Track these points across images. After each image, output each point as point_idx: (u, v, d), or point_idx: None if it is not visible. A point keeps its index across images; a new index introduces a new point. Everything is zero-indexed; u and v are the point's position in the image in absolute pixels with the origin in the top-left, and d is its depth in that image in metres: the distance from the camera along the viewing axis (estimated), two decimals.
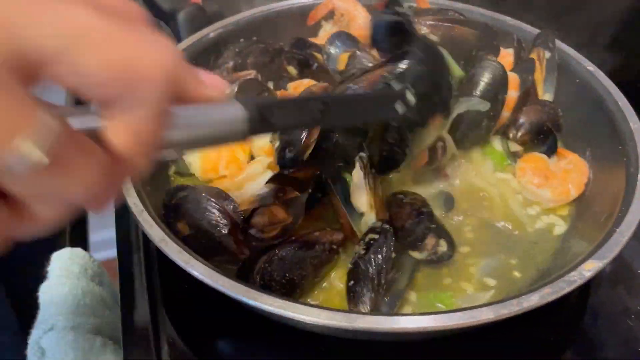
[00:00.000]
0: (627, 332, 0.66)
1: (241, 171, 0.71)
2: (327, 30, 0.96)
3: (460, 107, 0.77)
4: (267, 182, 0.66)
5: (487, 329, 0.58)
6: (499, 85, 0.78)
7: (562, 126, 0.81)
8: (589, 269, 0.54)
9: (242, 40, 0.92)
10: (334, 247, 0.64)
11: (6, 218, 0.27)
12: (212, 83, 0.33)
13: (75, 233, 0.93)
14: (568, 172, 0.74)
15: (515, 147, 0.80)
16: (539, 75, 0.84)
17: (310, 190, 0.64)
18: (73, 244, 0.91)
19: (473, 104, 0.77)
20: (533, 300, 0.51)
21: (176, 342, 0.64)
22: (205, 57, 0.89)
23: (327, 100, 0.46)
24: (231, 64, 0.88)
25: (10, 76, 0.25)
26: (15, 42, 0.25)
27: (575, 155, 0.78)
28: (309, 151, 0.66)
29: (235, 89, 0.76)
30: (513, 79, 0.80)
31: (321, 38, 0.94)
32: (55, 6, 0.26)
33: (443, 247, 0.66)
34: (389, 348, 0.63)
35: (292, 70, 0.87)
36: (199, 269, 0.55)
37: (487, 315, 0.50)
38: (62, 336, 0.76)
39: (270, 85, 0.88)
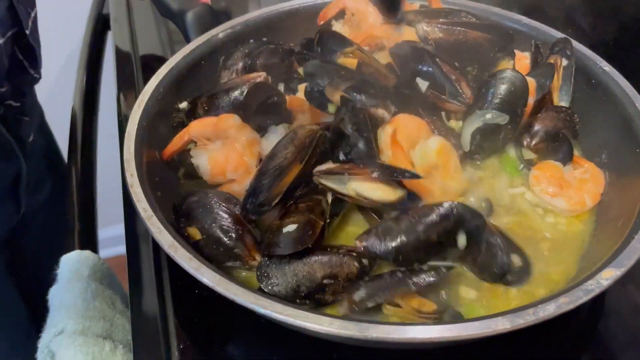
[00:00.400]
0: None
1: (250, 175, 0.70)
2: (337, 29, 0.95)
3: (477, 121, 0.75)
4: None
5: (501, 335, 0.58)
6: (520, 97, 0.75)
7: (578, 133, 0.79)
8: (606, 277, 0.52)
9: (251, 41, 0.91)
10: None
11: None
12: None
13: (84, 234, 0.93)
14: (584, 182, 0.73)
15: (529, 154, 0.78)
16: (555, 82, 0.81)
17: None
18: (82, 246, 0.91)
19: (491, 117, 0.75)
20: (549, 310, 0.50)
21: (186, 347, 0.64)
22: (214, 58, 0.88)
23: None
24: (241, 65, 0.87)
25: None
26: None
27: (591, 164, 0.75)
28: (278, 199, 0.64)
29: (245, 92, 0.75)
30: (530, 83, 0.78)
31: None
32: None
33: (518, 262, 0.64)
34: (403, 356, 0.62)
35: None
36: (208, 276, 0.54)
37: (503, 325, 0.49)
38: (71, 340, 0.76)
39: (281, 86, 0.87)
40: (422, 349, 0.61)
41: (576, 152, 0.78)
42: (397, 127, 0.72)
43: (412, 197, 0.68)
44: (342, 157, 0.68)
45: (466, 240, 0.61)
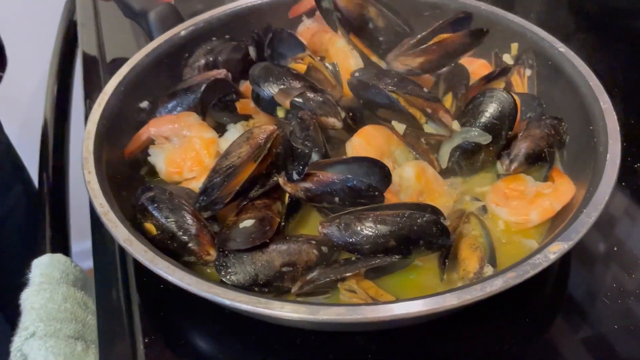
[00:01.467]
0: (624, 308, 0.65)
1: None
2: (307, 25, 0.95)
3: (458, 138, 0.73)
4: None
5: (470, 313, 0.59)
6: (506, 120, 0.73)
7: (565, 142, 0.76)
8: (554, 251, 0.53)
9: (214, 38, 0.92)
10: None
11: None
12: None
13: (56, 239, 0.93)
14: (540, 197, 0.69)
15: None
16: (520, 89, 0.82)
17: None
18: (54, 250, 0.91)
19: (473, 135, 0.73)
20: (497, 285, 0.51)
21: (152, 341, 0.64)
22: (177, 56, 0.88)
23: None
24: (202, 62, 0.88)
25: None
26: None
27: (564, 180, 0.71)
28: (230, 197, 0.64)
29: (201, 92, 0.76)
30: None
31: (300, 33, 0.93)
32: None
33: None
34: (368, 337, 0.62)
35: None
36: (162, 267, 0.54)
37: (450, 301, 0.50)
38: (43, 342, 0.76)
39: (243, 83, 0.87)
40: (382, 330, 0.61)
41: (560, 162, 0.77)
42: (365, 138, 0.72)
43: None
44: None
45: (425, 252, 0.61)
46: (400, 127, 0.73)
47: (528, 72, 0.82)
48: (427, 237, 0.59)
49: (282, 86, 0.72)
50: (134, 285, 0.69)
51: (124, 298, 0.68)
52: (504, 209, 0.69)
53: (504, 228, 0.69)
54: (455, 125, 0.73)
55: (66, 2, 1.36)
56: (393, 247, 0.59)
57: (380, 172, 0.63)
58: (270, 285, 0.60)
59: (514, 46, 0.87)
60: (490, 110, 0.73)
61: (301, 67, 0.78)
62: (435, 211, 0.62)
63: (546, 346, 0.63)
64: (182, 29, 0.90)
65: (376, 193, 0.62)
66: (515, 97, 0.74)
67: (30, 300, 0.82)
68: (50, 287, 0.82)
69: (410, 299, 0.50)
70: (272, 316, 0.50)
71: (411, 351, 0.61)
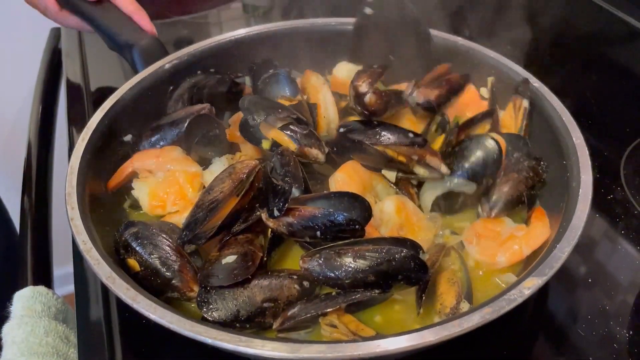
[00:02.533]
0: (603, 335, 0.67)
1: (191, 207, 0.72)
2: None
3: (442, 185, 0.74)
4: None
5: (449, 345, 0.60)
6: (490, 168, 0.74)
7: (545, 181, 0.77)
8: (528, 286, 0.55)
9: (199, 72, 0.93)
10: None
11: None
12: None
13: (38, 270, 0.92)
14: (512, 240, 0.70)
15: None
16: (514, 122, 0.83)
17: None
18: (36, 281, 0.91)
19: (458, 184, 0.74)
20: (474, 320, 0.52)
21: None
22: (161, 89, 0.89)
23: None
24: (187, 95, 0.89)
25: None
26: None
27: (540, 223, 0.71)
28: (213, 232, 0.65)
29: (184, 127, 0.77)
30: (501, 142, 0.77)
31: None
32: None
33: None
34: None
35: None
36: (144, 305, 0.55)
37: (428, 337, 0.51)
38: None
39: (228, 115, 0.89)
40: None
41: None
42: (347, 173, 0.74)
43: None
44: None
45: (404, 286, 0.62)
46: (391, 175, 0.75)
47: (525, 102, 0.83)
48: (406, 271, 0.60)
49: (267, 117, 0.74)
50: (116, 321, 0.69)
51: (105, 333, 0.68)
52: (475, 247, 0.71)
53: (474, 266, 0.70)
54: (444, 168, 0.73)
55: (51, 30, 1.37)
56: (372, 282, 0.60)
57: (361, 207, 0.64)
58: (251, 321, 0.61)
59: (490, 80, 0.90)
60: (476, 157, 0.74)
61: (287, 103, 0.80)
62: (414, 245, 0.63)
63: None
64: (166, 62, 0.91)
65: (357, 227, 0.63)
66: (501, 142, 0.76)
67: (12, 334, 0.81)
68: (32, 321, 0.82)
69: (390, 336, 0.51)
70: (254, 355, 0.51)
71: None
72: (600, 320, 0.68)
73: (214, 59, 0.95)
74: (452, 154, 0.76)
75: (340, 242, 0.63)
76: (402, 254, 0.60)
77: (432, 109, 0.83)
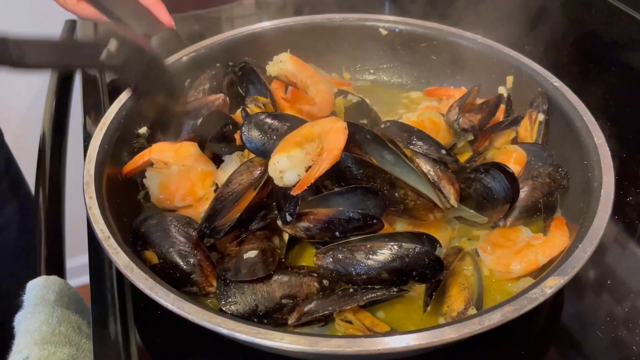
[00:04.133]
0: (616, 339, 0.66)
1: (200, 203, 0.71)
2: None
3: (458, 213, 0.73)
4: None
5: (466, 345, 0.59)
6: (501, 204, 0.71)
7: (567, 186, 0.75)
8: (550, 285, 0.54)
9: (218, 64, 0.93)
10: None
11: None
12: None
13: (51, 260, 0.92)
14: (528, 249, 0.69)
15: None
16: (529, 134, 0.83)
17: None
18: (49, 271, 0.91)
19: (471, 215, 0.73)
20: (495, 319, 0.51)
21: None
22: (179, 80, 0.89)
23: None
24: (207, 86, 0.89)
25: None
26: None
27: (559, 232, 0.69)
28: (233, 223, 0.64)
29: (199, 123, 0.77)
30: (520, 154, 0.77)
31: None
32: None
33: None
34: None
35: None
36: (162, 295, 0.55)
37: (449, 334, 0.50)
38: None
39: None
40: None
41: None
42: None
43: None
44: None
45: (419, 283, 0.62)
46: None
47: (541, 116, 0.83)
48: (420, 268, 0.59)
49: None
50: (131, 312, 0.69)
51: (120, 324, 0.68)
52: (489, 256, 0.70)
53: (488, 275, 0.69)
54: (453, 201, 0.71)
55: (66, 22, 1.37)
56: (386, 279, 0.60)
57: (375, 199, 0.64)
58: (269, 317, 0.61)
59: (509, 79, 0.89)
60: (489, 190, 0.72)
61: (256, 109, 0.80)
62: (430, 240, 0.62)
63: None
64: (184, 55, 0.91)
65: (374, 221, 0.63)
66: (520, 160, 0.75)
67: (25, 323, 0.81)
68: (45, 310, 0.82)
69: (409, 332, 0.51)
70: (272, 347, 0.50)
71: None
72: (614, 324, 0.67)
73: (230, 53, 0.95)
74: (466, 180, 0.74)
75: (355, 238, 0.62)
76: (416, 250, 0.59)
77: (475, 134, 0.83)
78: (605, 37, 1.22)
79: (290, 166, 0.61)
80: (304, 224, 0.63)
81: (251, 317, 0.60)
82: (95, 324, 0.70)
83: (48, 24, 1.40)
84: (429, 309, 0.61)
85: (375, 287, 0.60)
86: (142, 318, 0.68)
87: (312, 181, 0.62)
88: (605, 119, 0.94)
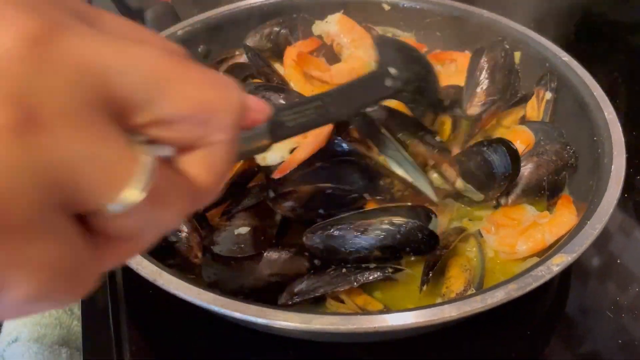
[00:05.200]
0: (614, 325, 0.64)
1: None
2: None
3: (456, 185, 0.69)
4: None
5: (467, 326, 0.57)
6: (500, 179, 0.67)
7: (575, 166, 0.72)
8: (557, 263, 0.51)
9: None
10: None
11: (87, 260, 0.24)
12: (258, 107, 0.31)
13: None
14: (535, 228, 0.65)
15: None
16: (535, 113, 0.80)
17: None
18: None
19: (467, 190, 0.69)
20: (498, 297, 0.49)
21: (139, 349, 0.62)
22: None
23: (324, 96, 0.50)
24: None
25: (112, 124, 0.23)
26: (109, 88, 0.23)
27: (566, 211, 0.67)
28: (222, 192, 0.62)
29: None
30: (528, 135, 0.74)
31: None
32: (135, 51, 0.24)
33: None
34: (364, 349, 0.61)
35: None
36: (150, 271, 0.52)
37: (449, 312, 0.48)
38: (26, 348, 0.74)
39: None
40: (374, 342, 0.59)
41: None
42: None
43: None
44: None
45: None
46: None
47: (548, 94, 0.79)
48: (413, 243, 0.57)
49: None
50: (121, 291, 0.67)
51: (110, 303, 0.66)
52: (493, 237, 0.67)
53: (493, 256, 0.66)
54: (459, 183, 0.68)
55: None
56: (378, 257, 0.57)
57: (358, 174, 0.61)
58: (256, 295, 0.58)
59: (517, 54, 0.86)
60: (489, 165, 0.68)
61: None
62: (425, 211, 0.60)
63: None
64: (178, 29, 0.88)
65: (357, 195, 0.60)
66: (527, 139, 0.73)
67: None
68: None
69: (407, 310, 0.48)
70: (264, 325, 0.48)
71: None
72: (620, 309, 0.65)
73: (226, 27, 0.92)
74: (466, 155, 0.71)
75: (345, 215, 0.59)
76: (408, 225, 0.57)
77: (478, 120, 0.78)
78: (615, 17, 1.19)
79: (273, 149, 0.59)
80: (289, 203, 0.60)
81: (237, 293, 0.57)
82: (84, 302, 0.68)
83: None
84: (425, 288, 0.58)
85: (370, 265, 0.57)
86: (132, 296, 0.66)
87: (294, 166, 0.59)
88: (615, 98, 0.92)
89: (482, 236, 0.68)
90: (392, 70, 0.60)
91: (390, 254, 0.57)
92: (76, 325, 0.79)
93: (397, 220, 0.57)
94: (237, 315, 0.48)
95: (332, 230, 0.58)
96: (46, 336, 0.76)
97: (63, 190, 0.22)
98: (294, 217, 0.62)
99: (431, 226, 0.58)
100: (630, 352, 0.61)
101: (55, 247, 0.22)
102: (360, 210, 0.60)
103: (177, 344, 0.63)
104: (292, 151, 0.62)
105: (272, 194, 0.61)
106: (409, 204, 0.62)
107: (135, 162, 0.24)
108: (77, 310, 0.81)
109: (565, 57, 0.79)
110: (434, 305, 0.48)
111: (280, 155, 0.61)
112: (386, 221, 0.57)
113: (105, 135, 0.23)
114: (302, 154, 0.60)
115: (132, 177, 0.23)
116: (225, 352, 0.62)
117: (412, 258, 0.60)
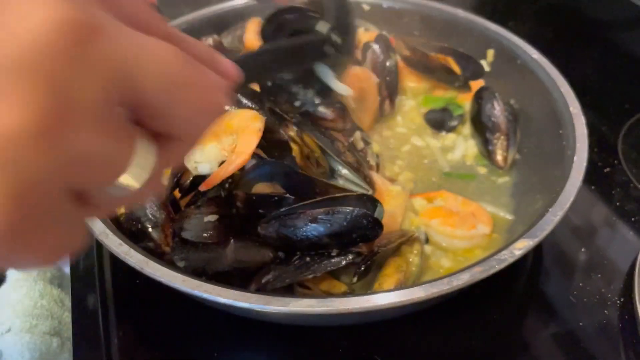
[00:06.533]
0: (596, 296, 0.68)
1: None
2: None
3: None
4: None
5: (442, 310, 0.61)
6: None
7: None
8: (519, 247, 0.55)
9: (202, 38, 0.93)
10: None
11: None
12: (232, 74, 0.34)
13: None
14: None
15: None
16: None
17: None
18: None
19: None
20: (463, 279, 0.52)
21: (126, 336, 0.65)
22: None
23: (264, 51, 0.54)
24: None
25: (127, 121, 0.26)
26: (133, 91, 0.26)
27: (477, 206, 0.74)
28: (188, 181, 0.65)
29: None
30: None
31: None
32: (157, 53, 0.27)
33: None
34: (343, 332, 0.63)
35: None
36: (136, 260, 0.55)
37: (417, 294, 0.51)
38: (18, 338, 0.76)
39: None
40: (351, 325, 0.63)
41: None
42: None
43: None
44: None
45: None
46: None
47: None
48: (360, 230, 0.59)
49: None
50: (109, 282, 0.70)
51: (99, 294, 0.68)
52: (437, 220, 0.71)
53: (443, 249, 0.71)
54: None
55: None
56: (328, 244, 0.60)
57: (282, 175, 0.64)
58: (217, 279, 0.59)
59: (490, 52, 0.89)
60: None
61: None
62: (371, 200, 0.62)
63: (517, 341, 0.65)
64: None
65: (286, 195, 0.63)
66: None
67: (7, 296, 0.82)
68: (27, 284, 0.83)
69: (381, 291, 0.52)
70: (243, 308, 0.51)
71: (381, 347, 0.63)
72: (592, 288, 0.68)
73: (212, 28, 0.95)
74: None
75: (297, 205, 0.62)
76: (353, 213, 0.59)
77: None
78: (592, 16, 1.23)
79: (204, 159, 0.62)
80: (238, 203, 0.63)
81: (200, 276, 0.59)
82: (74, 292, 0.70)
83: None
84: (355, 279, 0.60)
85: (332, 253, 0.60)
86: (120, 286, 0.69)
87: (219, 181, 0.62)
88: (587, 92, 0.95)
89: (427, 242, 0.71)
90: (335, 38, 0.65)
91: (338, 240, 0.60)
92: (67, 317, 0.81)
93: (345, 208, 0.59)
94: (220, 299, 0.51)
95: (285, 219, 0.60)
96: (37, 326, 0.78)
97: (74, 179, 0.25)
98: (245, 214, 0.64)
99: (376, 214, 0.61)
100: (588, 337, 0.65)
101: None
102: (311, 201, 0.62)
103: (164, 333, 0.66)
104: (221, 164, 0.63)
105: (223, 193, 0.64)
106: (356, 193, 0.65)
107: (133, 147, 0.26)
108: (68, 302, 0.83)
109: (535, 54, 0.83)
110: (401, 288, 0.52)
111: (210, 167, 0.63)
112: (332, 210, 0.59)
113: (121, 134, 0.25)
114: (226, 171, 0.62)
115: (130, 162, 0.26)
116: (208, 337, 0.65)
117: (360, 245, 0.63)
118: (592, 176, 0.81)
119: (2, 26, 0.22)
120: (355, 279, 0.60)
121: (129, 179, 0.27)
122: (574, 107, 0.73)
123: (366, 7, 0.99)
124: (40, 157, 0.22)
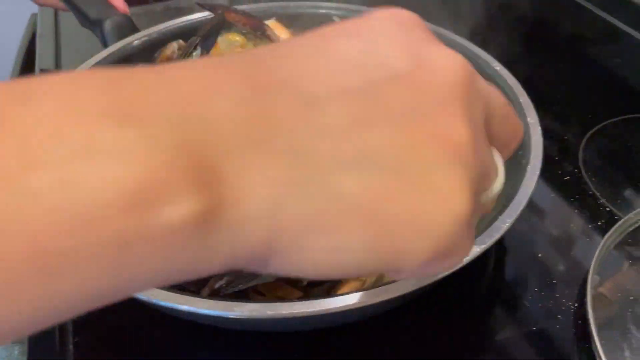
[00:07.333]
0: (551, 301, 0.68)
1: None
2: None
3: None
4: None
5: (401, 313, 0.63)
6: None
7: None
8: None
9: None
10: None
11: None
12: None
13: None
14: None
15: None
16: None
17: None
18: None
19: None
20: (408, 286, 0.52)
21: (82, 340, 0.65)
22: (129, 65, 0.90)
23: None
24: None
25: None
26: (489, 118, 0.33)
27: None
28: None
29: None
30: None
31: None
32: (493, 88, 0.38)
33: None
34: (308, 338, 0.64)
35: None
36: None
37: (361, 299, 0.51)
38: None
39: None
40: (309, 330, 0.63)
41: None
42: None
43: None
44: None
45: None
46: None
47: None
48: None
49: None
50: None
51: None
52: None
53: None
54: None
55: (31, 16, 1.37)
56: None
57: None
58: (173, 285, 0.59)
59: None
60: None
61: None
62: None
63: (473, 344, 0.66)
64: (135, 39, 0.92)
65: None
66: None
67: None
68: None
69: (321, 296, 0.52)
70: (188, 312, 0.51)
71: (342, 351, 0.63)
72: (547, 293, 0.69)
73: (183, 38, 0.96)
74: None
75: None
76: None
77: None
78: (562, 29, 1.25)
79: None
80: None
81: None
82: None
83: (13, 21, 1.40)
84: (305, 283, 0.61)
85: None
86: None
87: None
88: (551, 103, 0.98)
89: None
90: None
91: None
92: None
93: None
94: (164, 303, 0.51)
95: None
96: None
97: (482, 185, 0.31)
98: None
99: None
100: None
101: None
102: None
103: (122, 338, 0.66)
104: None
105: None
106: None
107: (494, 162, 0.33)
108: None
109: (498, 66, 0.84)
110: (342, 295, 0.52)
111: None
112: None
113: (488, 144, 0.32)
114: None
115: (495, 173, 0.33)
116: (160, 341, 0.65)
117: None
118: (553, 184, 0.82)
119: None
120: (304, 282, 0.60)
121: (497, 185, 0.33)
122: (531, 118, 0.74)
123: (337, 20, 1.01)
124: (477, 163, 0.28)
